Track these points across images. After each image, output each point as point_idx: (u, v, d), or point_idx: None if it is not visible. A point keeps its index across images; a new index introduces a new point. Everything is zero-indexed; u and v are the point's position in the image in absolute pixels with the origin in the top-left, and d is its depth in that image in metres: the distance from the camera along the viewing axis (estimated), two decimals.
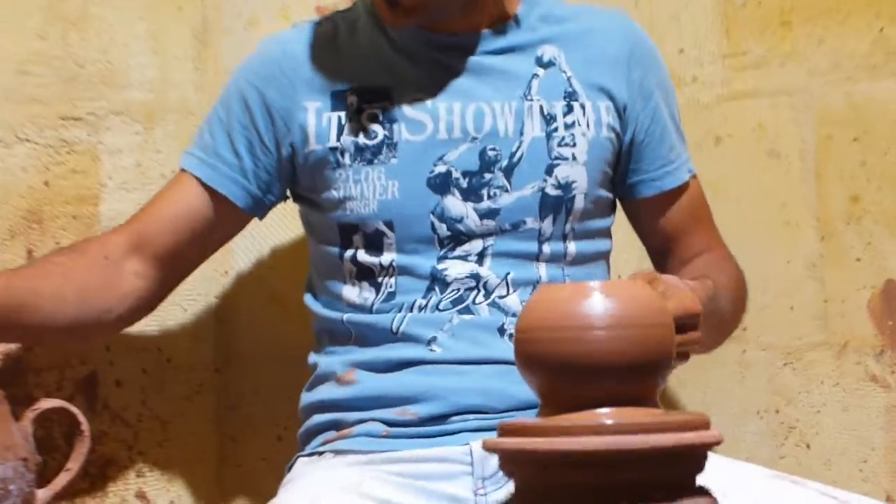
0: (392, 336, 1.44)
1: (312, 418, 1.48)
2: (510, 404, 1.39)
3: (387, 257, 1.45)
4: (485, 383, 1.41)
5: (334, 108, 1.48)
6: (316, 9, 1.76)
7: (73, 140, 1.63)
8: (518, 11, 1.51)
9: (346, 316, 1.48)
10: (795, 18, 1.79)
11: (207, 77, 1.73)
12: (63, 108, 1.63)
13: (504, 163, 1.46)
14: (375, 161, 1.45)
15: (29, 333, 1.45)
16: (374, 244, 1.46)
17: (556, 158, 1.47)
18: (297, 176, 1.51)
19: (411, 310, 1.45)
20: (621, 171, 1.54)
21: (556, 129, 1.47)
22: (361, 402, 1.44)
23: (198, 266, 1.57)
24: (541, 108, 1.47)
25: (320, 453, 1.45)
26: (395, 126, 1.46)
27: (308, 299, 1.54)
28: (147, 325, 1.61)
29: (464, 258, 1.45)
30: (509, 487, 0.96)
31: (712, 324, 1.33)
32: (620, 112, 1.51)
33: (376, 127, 1.46)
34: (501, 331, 1.44)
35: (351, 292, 1.48)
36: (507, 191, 1.45)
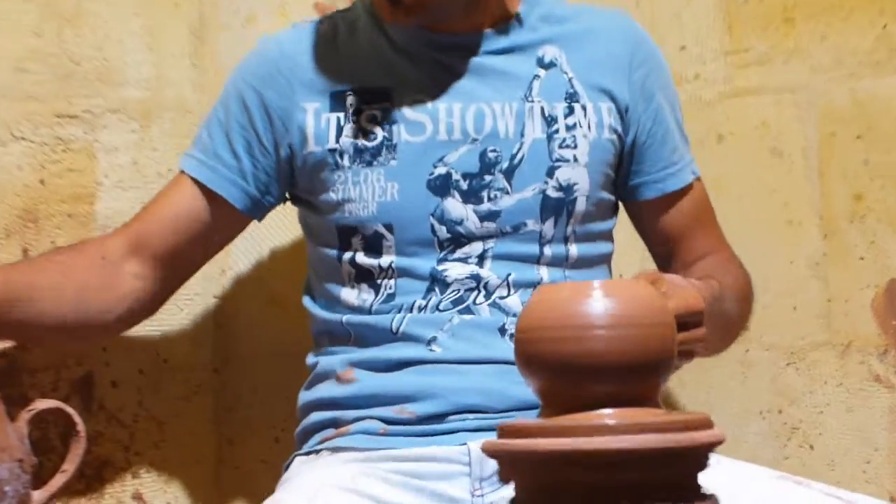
0: (392, 336, 1.44)
1: (310, 416, 1.48)
2: (509, 404, 1.38)
3: (386, 259, 1.45)
4: (484, 383, 1.40)
5: (333, 109, 1.47)
6: (314, 6, 1.75)
7: (69, 138, 1.63)
8: (519, 10, 1.50)
9: (345, 318, 1.47)
10: (798, 15, 1.79)
11: (205, 74, 1.72)
12: (59, 106, 1.63)
13: (504, 164, 1.45)
14: (375, 163, 1.45)
15: (26, 329, 1.44)
16: (373, 246, 1.45)
17: (558, 160, 1.46)
18: (295, 178, 1.50)
19: (411, 310, 1.44)
20: (623, 173, 1.53)
21: (557, 131, 1.47)
22: (360, 401, 1.43)
23: (199, 268, 1.57)
24: (542, 109, 1.47)
25: (317, 452, 1.45)
26: (395, 127, 1.45)
27: (307, 301, 1.54)
28: (144, 326, 1.60)
29: (464, 260, 1.44)
30: (507, 490, 0.95)
31: (719, 324, 1.33)
32: (622, 113, 1.50)
33: (376, 128, 1.46)
34: (502, 331, 1.43)
35: (349, 294, 1.47)
36: (507, 193, 1.45)
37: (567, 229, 1.47)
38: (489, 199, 1.44)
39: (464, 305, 1.43)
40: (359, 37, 1.50)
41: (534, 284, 1.44)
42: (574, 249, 1.47)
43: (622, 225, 1.58)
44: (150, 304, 1.53)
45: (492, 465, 1.18)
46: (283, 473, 1.48)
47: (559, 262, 1.46)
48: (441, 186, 1.44)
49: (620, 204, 1.57)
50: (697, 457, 0.92)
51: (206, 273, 1.64)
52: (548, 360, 0.94)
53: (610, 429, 0.90)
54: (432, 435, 1.40)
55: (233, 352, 1.74)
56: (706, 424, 0.92)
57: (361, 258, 1.46)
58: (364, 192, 1.45)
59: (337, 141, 1.46)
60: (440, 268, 1.44)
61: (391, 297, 1.45)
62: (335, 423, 1.45)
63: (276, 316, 1.74)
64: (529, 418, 0.97)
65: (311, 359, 1.51)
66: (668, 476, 0.90)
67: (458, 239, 1.44)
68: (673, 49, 1.85)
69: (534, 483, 0.93)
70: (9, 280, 1.39)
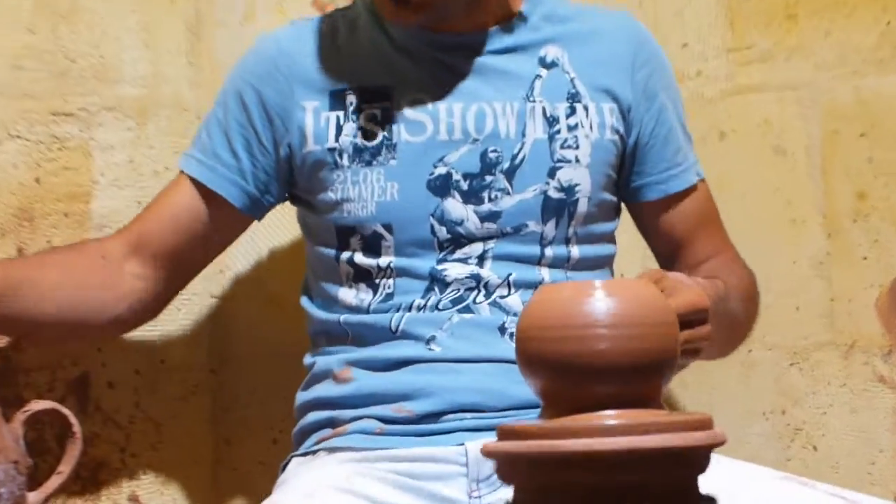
0: (391, 335, 1.44)
1: (307, 416, 1.48)
2: (509, 403, 1.38)
3: (385, 260, 1.44)
4: (483, 382, 1.40)
5: (333, 108, 1.47)
6: (313, 3, 1.75)
7: (65, 136, 1.62)
8: (522, 9, 1.49)
9: (342, 317, 1.47)
10: (801, 11, 1.79)
11: (201, 72, 1.72)
12: (54, 104, 1.62)
13: (505, 165, 1.44)
14: (374, 162, 1.44)
15: (23, 324, 1.44)
16: (372, 247, 1.45)
17: (559, 161, 1.45)
18: (294, 177, 1.50)
19: (410, 309, 1.44)
20: (625, 173, 1.53)
21: (558, 131, 1.46)
22: (357, 400, 1.43)
23: (201, 269, 1.57)
24: (543, 109, 1.46)
25: (314, 452, 1.44)
26: (395, 127, 1.45)
27: (304, 301, 1.53)
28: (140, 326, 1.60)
29: (464, 261, 1.44)
30: (504, 491, 0.95)
31: (724, 324, 1.33)
32: (624, 114, 1.50)
33: (375, 128, 1.45)
34: (502, 330, 1.42)
35: (347, 294, 1.47)
36: (508, 193, 1.44)
37: (569, 231, 1.46)
38: (490, 199, 1.44)
39: (463, 304, 1.43)
40: (359, 35, 1.50)
41: (535, 284, 1.43)
42: (576, 251, 1.47)
43: (624, 226, 1.57)
44: (153, 305, 1.53)
45: (489, 466, 1.18)
46: (279, 474, 1.47)
47: (560, 263, 1.46)
48: (441, 187, 1.43)
49: (623, 206, 1.56)
50: (699, 457, 0.92)
51: (204, 273, 1.63)
52: (549, 360, 0.93)
53: (611, 430, 0.89)
54: (430, 434, 1.39)
55: (230, 352, 1.74)
56: (708, 425, 0.91)
57: (360, 258, 1.45)
58: (363, 192, 1.44)
59: (336, 140, 1.45)
60: (440, 268, 1.43)
61: (390, 296, 1.44)
62: (332, 423, 1.44)
63: (274, 316, 1.74)
64: (528, 418, 0.97)
65: (308, 359, 1.51)
66: (669, 476, 0.89)
67: (458, 239, 1.43)
68: (675, 46, 1.84)
69: (533, 484, 0.92)
70: (7, 275, 1.40)
